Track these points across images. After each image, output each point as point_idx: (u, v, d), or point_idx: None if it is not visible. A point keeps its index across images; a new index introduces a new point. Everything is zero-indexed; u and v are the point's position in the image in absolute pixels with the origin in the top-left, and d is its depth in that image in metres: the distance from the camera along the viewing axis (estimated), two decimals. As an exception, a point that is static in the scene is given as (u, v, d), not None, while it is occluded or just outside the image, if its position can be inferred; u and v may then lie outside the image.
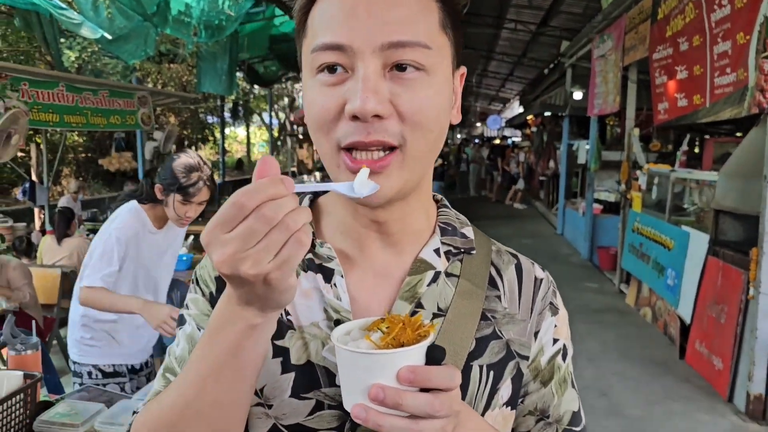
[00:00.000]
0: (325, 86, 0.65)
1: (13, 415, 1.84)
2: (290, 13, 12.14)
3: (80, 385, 2.61)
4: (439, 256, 0.77)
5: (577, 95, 10.40)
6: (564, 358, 0.83)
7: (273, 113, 19.85)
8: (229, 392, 0.62)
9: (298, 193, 0.54)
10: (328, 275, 0.74)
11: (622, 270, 7.59)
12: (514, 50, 15.71)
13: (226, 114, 21.23)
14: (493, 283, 0.80)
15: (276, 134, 19.18)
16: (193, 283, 0.81)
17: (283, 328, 0.73)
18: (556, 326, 0.82)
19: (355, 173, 0.63)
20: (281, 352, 0.72)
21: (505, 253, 0.85)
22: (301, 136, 17.08)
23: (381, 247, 0.76)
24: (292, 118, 15.61)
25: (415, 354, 0.58)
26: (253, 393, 0.67)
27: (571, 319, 0.87)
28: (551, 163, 13.56)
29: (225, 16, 9.40)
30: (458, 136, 30.08)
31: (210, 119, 23.22)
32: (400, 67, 0.63)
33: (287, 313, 0.74)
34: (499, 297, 0.79)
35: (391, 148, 0.65)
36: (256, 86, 17.97)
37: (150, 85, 15.49)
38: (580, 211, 9.96)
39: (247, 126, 28.61)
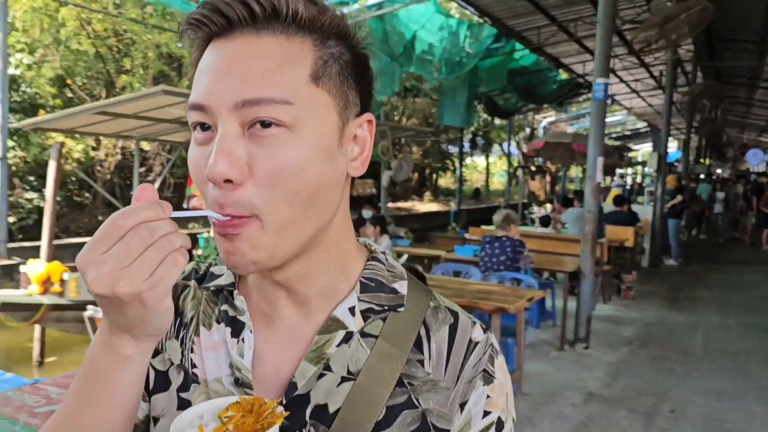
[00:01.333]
0: (198, 144, 0.63)
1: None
2: (530, 47, 12.44)
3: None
4: (353, 314, 0.70)
5: None
6: None
7: (515, 143, 20.25)
8: (102, 423, 0.62)
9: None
10: (237, 329, 0.70)
11: None
12: (784, 77, 13.98)
13: (465, 144, 22.17)
14: (418, 345, 0.71)
15: (515, 164, 19.49)
16: None
17: (189, 380, 0.71)
18: (489, 397, 0.70)
19: (222, 236, 0.62)
20: (184, 405, 0.69)
21: (443, 311, 0.74)
22: (533, 168, 17.17)
23: (290, 305, 0.71)
24: (525, 150, 15.81)
25: None
26: (131, 426, 0.66)
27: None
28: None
29: (465, 53, 10.11)
30: (719, 171, 27.19)
31: (451, 149, 24.46)
32: (264, 124, 0.59)
33: (194, 366, 0.72)
34: (421, 361, 0.70)
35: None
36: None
37: (396, 118, 16.95)
38: None
39: (487, 156, 29.46)
